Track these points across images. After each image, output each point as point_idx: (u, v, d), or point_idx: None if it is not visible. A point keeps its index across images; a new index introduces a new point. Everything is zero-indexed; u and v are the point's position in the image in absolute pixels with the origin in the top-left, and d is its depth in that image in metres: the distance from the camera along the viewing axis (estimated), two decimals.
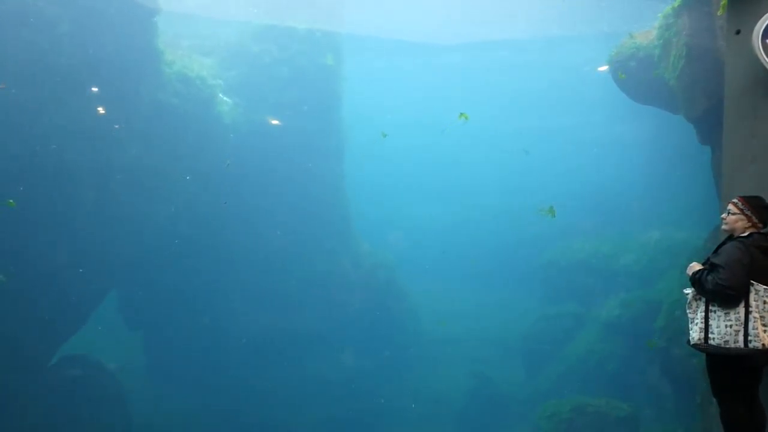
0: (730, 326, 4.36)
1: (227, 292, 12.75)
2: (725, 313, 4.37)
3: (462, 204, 20.71)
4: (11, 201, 8.57)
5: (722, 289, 4.30)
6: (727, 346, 4.33)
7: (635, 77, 10.58)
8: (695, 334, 4.51)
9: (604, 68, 11.61)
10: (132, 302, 12.38)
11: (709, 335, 4.45)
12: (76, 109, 9.69)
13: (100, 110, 10.19)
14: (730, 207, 4.64)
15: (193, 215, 11.83)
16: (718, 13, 7.33)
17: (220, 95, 12.44)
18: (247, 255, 12.79)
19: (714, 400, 4.81)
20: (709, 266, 4.49)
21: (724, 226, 4.71)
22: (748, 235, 4.54)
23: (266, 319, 12.91)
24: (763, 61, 5.15)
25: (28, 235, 9.33)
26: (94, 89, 10.05)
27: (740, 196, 4.67)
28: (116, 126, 10.37)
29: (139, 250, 11.14)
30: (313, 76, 13.60)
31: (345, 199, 14.54)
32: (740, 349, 4.30)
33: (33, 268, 9.44)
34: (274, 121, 13.38)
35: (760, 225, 4.55)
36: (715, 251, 4.67)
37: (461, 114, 9.42)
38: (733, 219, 4.59)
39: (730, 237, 4.66)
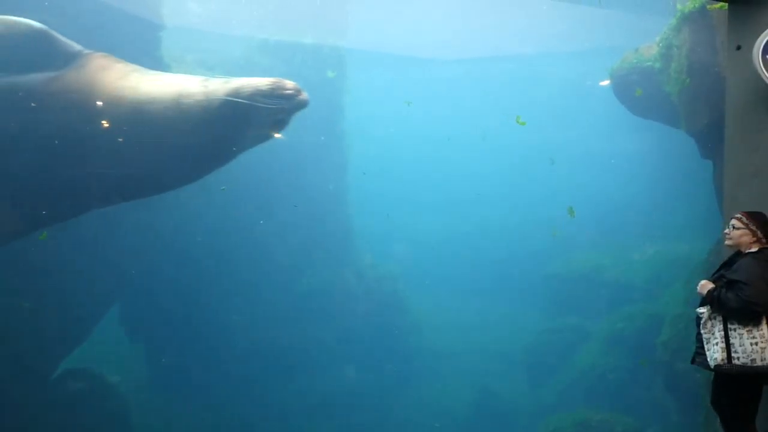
0: (756, 344, 4.24)
1: (230, 304, 12.75)
2: (748, 331, 4.25)
3: (465, 216, 20.73)
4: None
5: (750, 306, 4.20)
6: (755, 365, 4.24)
7: (636, 91, 10.65)
8: (717, 354, 4.33)
9: (605, 82, 11.68)
10: (134, 315, 12.38)
11: (733, 354, 4.32)
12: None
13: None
14: (734, 222, 4.62)
15: (197, 228, 11.86)
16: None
17: None
18: (250, 267, 12.81)
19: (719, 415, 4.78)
20: (726, 283, 4.41)
21: (728, 242, 4.67)
22: (759, 251, 4.50)
23: (270, 331, 12.90)
24: (763, 76, 5.20)
25: (32, 249, 9.36)
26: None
27: (743, 212, 4.66)
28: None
29: (143, 263, 11.17)
30: (318, 90, 13.64)
31: (348, 210, 14.58)
32: None
33: (36, 281, 9.46)
34: (278, 134, 13.43)
35: (764, 240, 4.52)
36: (725, 266, 4.62)
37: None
38: (738, 234, 4.57)
39: (738, 253, 4.62)
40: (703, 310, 4.47)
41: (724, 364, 4.30)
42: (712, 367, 4.39)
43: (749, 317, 4.22)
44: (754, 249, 4.49)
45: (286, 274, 13.19)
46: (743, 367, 4.23)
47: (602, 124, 18.33)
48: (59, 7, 9.39)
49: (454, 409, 13.24)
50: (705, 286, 4.49)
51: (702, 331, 4.48)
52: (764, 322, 4.23)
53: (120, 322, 12.51)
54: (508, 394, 13.37)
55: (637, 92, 10.15)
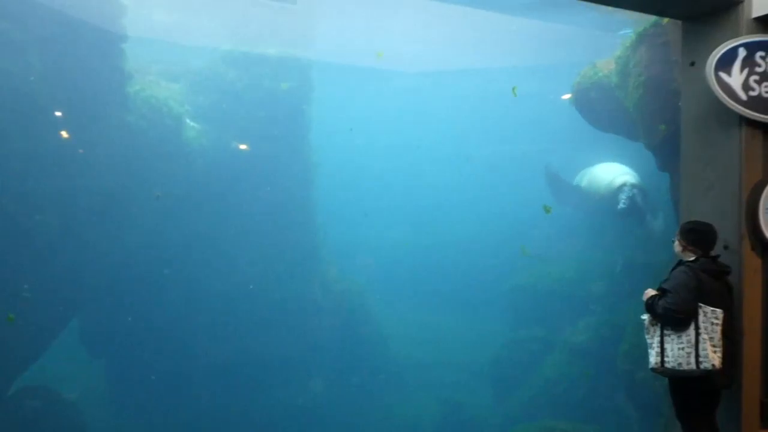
0: (683, 349, 4.52)
1: (193, 319, 12.55)
2: (678, 336, 4.54)
3: (430, 228, 20.81)
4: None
5: (670, 313, 4.49)
6: (681, 369, 4.48)
7: (596, 106, 10.88)
8: (653, 358, 4.68)
9: (567, 96, 11.92)
10: (94, 330, 12.09)
11: (665, 358, 4.59)
12: (41, 134, 9.57)
13: (65, 134, 10.07)
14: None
15: (159, 241, 11.67)
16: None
17: (188, 120, 12.39)
18: (214, 281, 12.64)
19: (678, 423, 4.92)
20: (661, 292, 4.67)
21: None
22: (696, 260, 4.75)
23: (233, 346, 12.72)
24: (716, 92, 5.38)
25: None
26: (59, 113, 9.94)
27: (684, 222, 5.03)
28: (81, 150, 10.25)
29: (103, 277, 10.94)
30: (283, 101, 13.63)
31: (314, 223, 14.51)
32: (693, 370, 4.45)
33: None
34: (243, 146, 13.35)
35: (691, 248, 4.81)
36: (667, 277, 4.88)
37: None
38: (675, 243, 4.96)
39: (680, 262, 4.89)
40: (645, 317, 4.76)
41: (658, 366, 4.61)
42: (650, 369, 4.73)
43: (673, 323, 4.51)
44: (691, 258, 4.75)
45: (250, 288, 13.05)
46: (673, 370, 4.54)
47: (564, 137, 18.62)
48: (19, 17, 9.23)
49: (420, 421, 13.23)
50: (647, 294, 4.79)
51: (645, 336, 4.75)
52: (692, 328, 4.46)
53: (80, 337, 12.21)
54: (473, 405, 13.42)
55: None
